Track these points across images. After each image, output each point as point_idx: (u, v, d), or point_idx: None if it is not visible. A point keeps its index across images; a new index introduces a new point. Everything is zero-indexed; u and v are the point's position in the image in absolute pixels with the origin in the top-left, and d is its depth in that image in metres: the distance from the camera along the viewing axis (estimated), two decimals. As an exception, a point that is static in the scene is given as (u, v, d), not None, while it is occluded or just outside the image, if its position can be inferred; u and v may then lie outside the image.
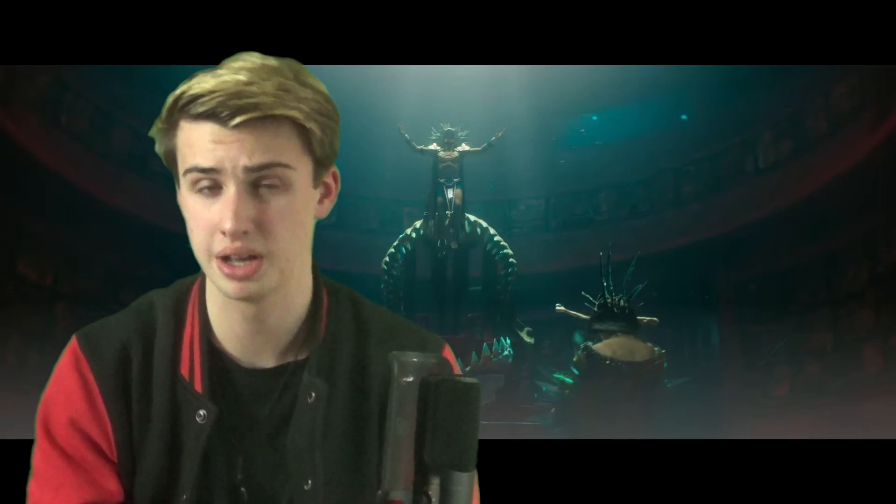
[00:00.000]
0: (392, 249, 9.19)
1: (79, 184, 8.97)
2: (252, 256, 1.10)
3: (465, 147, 9.14)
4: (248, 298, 1.13)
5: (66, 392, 1.18)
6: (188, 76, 1.14)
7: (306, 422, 1.17)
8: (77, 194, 8.89)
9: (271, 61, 1.12)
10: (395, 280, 9.10)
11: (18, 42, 5.47)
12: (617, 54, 5.98)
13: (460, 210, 8.99)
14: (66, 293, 9.00)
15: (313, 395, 1.18)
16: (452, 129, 9.16)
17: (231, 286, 1.11)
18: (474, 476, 1.24)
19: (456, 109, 9.53)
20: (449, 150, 9.07)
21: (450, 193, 8.90)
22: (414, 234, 9.24)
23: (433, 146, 9.15)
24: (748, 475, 5.04)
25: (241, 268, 1.10)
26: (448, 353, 1.26)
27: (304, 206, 1.15)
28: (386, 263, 9.12)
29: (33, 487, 1.18)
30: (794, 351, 9.38)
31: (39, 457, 1.18)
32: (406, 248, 9.20)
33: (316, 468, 1.17)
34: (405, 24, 5.38)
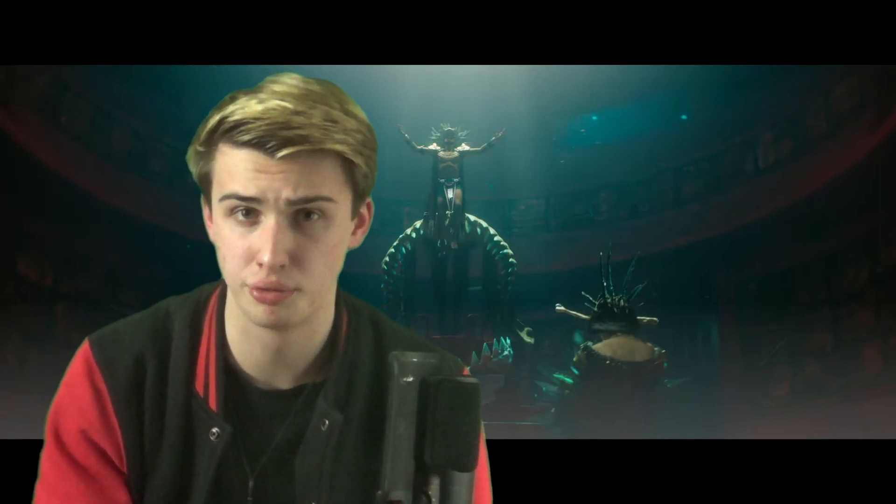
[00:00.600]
0: (392, 249, 9.19)
1: (79, 184, 8.97)
2: (284, 289, 1.08)
3: (465, 147, 9.14)
4: (275, 326, 1.11)
5: (78, 402, 1.17)
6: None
7: (317, 448, 1.16)
8: (77, 194, 8.89)
9: (314, 86, 1.09)
10: (395, 280, 9.10)
11: (18, 42, 5.46)
12: (617, 54, 5.98)
13: (460, 210, 8.99)
14: (66, 293, 9.00)
15: (326, 423, 1.16)
16: (452, 129, 9.16)
17: (260, 311, 1.09)
18: (486, 473, 1.25)
19: (456, 109, 9.53)
20: (449, 150, 9.07)
21: (450, 193, 8.90)
22: (414, 234, 9.24)
23: (433, 146, 9.15)
24: (748, 475, 5.04)
25: (273, 294, 1.08)
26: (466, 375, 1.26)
27: (341, 239, 1.13)
28: (386, 263, 9.12)
29: (40, 494, 1.17)
30: (794, 351, 9.38)
31: (48, 464, 1.17)
32: (406, 248, 9.20)
33: (321, 493, 1.16)
34: (405, 24, 5.38)
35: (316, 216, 1.08)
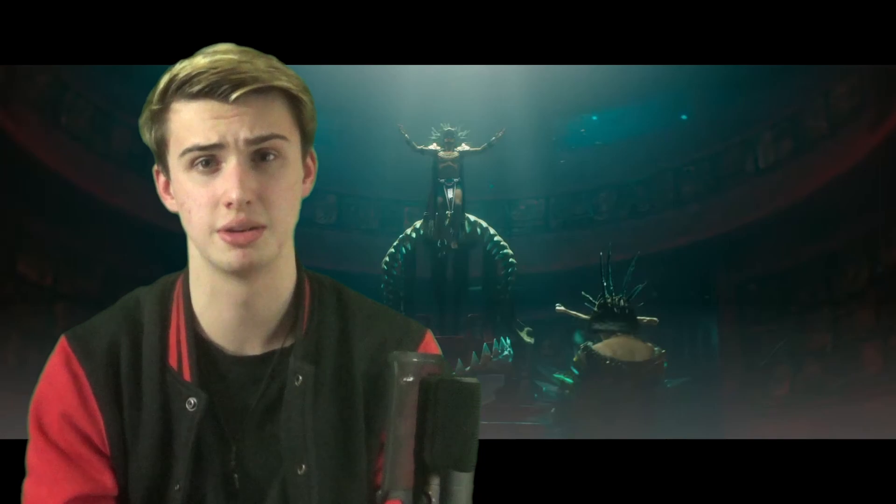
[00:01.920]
0: (392, 249, 9.18)
1: (79, 184, 8.97)
2: (254, 227, 1.12)
3: (465, 147, 9.13)
4: (248, 268, 1.14)
5: (58, 389, 1.19)
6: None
7: (296, 406, 1.19)
8: (77, 194, 8.89)
9: (249, 48, 1.16)
10: (395, 280, 9.09)
11: (18, 42, 5.46)
12: (617, 54, 5.98)
13: (460, 210, 8.98)
14: (66, 293, 9.00)
15: (300, 378, 1.19)
16: (452, 129, 9.16)
17: (232, 255, 1.13)
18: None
19: (456, 109, 9.53)
20: (449, 150, 9.07)
21: (450, 193, 8.90)
22: (414, 234, 9.23)
23: (433, 146, 9.14)
24: (748, 475, 5.03)
25: (244, 234, 1.12)
26: (430, 340, 1.29)
27: (296, 180, 1.18)
28: (386, 263, 9.12)
29: (28, 485, 1.19)
30: (794, 351, 9.38)
31: (34, 454, 1.19)
32: (406, 248, 9.20)
33: (308, 452, 1.18)
34: (405, 24, 5.38)
35: (272, 156, 1.14)
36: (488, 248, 9.23)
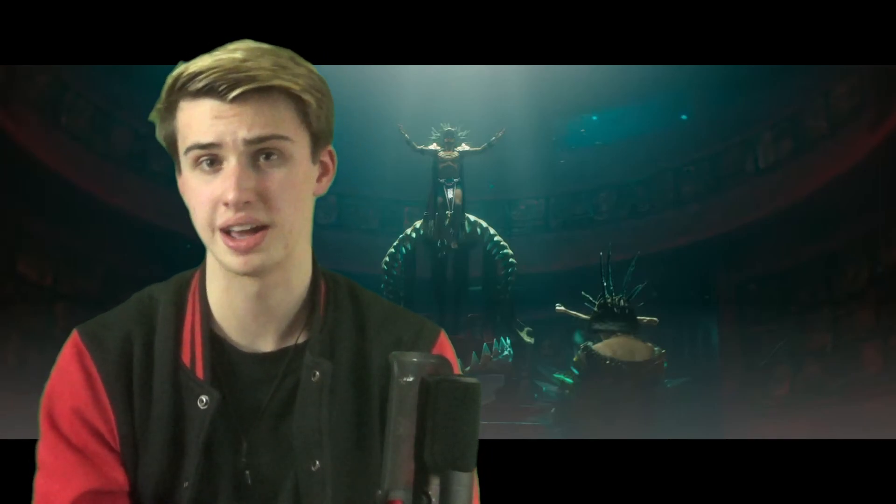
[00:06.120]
0: (392, 249, 9.18)
1: (79, 184, 8.96)
2: (256, 228, 1.12)
3: (465, 147, 9.13)
4: (253, 272, 1.14)
5: (70, 384, 1.19)
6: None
7: (311, 401, 1.18)
8: (77, 194, 8.88)
9: (265, 45, 1.15)
10: (395, 280, 9.09)
11: (18, 42, 5.47)
12: (617, 54, 5.98)
13: (460, 210, 8.98)
14: (66, 293, 9.00)
15: (317, 373, 1.19)
16: (452, 129, 9.15)
17: (236, 260, 1.13)
18: (474, 474, 1.25)
19: (456, 109, 9.52)
20: (449, 150, 9.06)
21: (450, 193, 8.90)
22: (414, 234, 9.23)
23: (433, 146, 9.14)
24: (748, 475, 5.04)
25: (245, 240, 1.12)
26: (444, 340, 1.30)
27: (303, 180, 1.17)
28: (386, 263, 9.12)
29: (40, 480, 1.18)
30: (794, 351, 9.38)
31: (45, 449, 1.18)
32: (406, 248, 9.20)
33: (323, 448, 1.17)
34: (405, 24, 5.38)
35: (275, 156, 1.13)
36: (488, 248, 9.22)
